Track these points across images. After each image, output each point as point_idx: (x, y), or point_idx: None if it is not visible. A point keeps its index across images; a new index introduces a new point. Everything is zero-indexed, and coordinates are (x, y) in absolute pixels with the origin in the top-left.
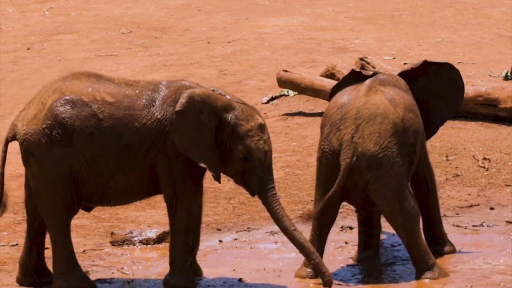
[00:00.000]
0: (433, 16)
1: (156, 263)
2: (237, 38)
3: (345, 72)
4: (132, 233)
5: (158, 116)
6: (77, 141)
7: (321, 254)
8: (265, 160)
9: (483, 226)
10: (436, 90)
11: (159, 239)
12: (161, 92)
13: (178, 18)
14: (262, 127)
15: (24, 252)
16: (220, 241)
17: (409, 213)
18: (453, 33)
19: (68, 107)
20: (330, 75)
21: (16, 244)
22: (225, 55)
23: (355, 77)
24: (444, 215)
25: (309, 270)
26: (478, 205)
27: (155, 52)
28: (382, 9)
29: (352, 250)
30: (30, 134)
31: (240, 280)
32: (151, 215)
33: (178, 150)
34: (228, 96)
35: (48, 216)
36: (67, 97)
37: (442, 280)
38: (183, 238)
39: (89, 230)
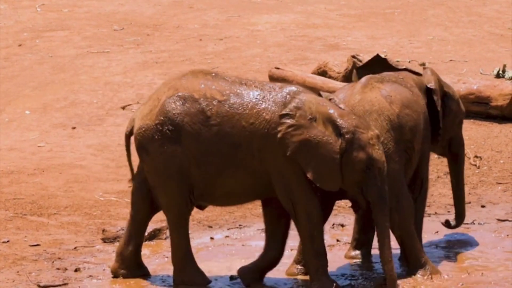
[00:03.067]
0: (425, 14)
1: (148, 260)
2: (229, 36)
3: (337, 69)
4: (123, 230)
5: (266, 117)
6: (185, 138)
7: None
8: (383, 170)
9: (474, 224)
10: None
11: (151, 236)
12: (272, 94)
13: (170, 15)
14: (379, 138)
15: (123, 242)
16: (212, 238)
17: (405, 211)
18: (445, 31)
19: (179, 104)
20: (322, 72)
21: (8, 241)
22: (217, 52)
23: (380, 64)
24: (436, 212)
25: (299, 267)
26: (470, 203)
27: (147, 49)
28: (374, 6)
29: (343, 248)
30: (144, 129)
31: (231, 277)
32: None
33: (286, 152)
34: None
35: (166, 209)
36: (180, 94)
37: (434, 278)
38: (310, 244)
39: (80, 227)
